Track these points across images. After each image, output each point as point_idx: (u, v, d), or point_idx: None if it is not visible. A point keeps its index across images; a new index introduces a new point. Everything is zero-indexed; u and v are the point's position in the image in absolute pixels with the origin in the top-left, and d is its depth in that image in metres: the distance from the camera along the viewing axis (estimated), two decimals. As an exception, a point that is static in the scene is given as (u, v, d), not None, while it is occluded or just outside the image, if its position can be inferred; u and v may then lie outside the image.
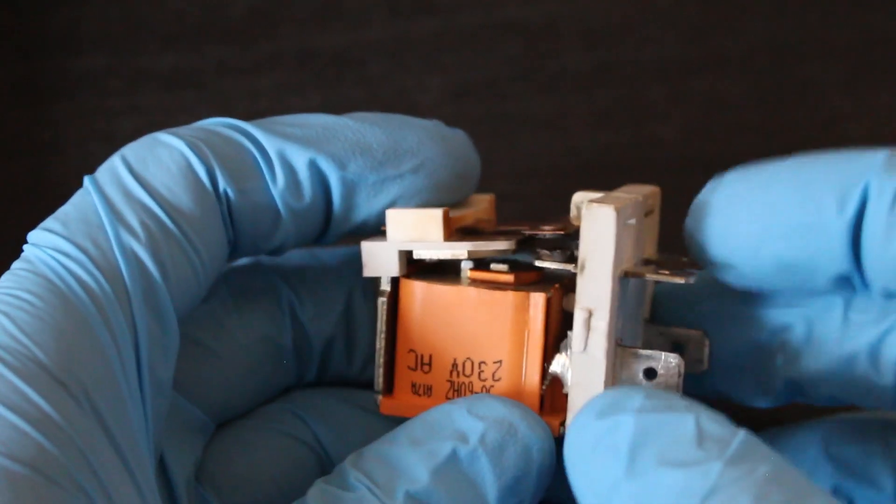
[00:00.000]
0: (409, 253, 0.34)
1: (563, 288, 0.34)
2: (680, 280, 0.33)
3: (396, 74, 0.55)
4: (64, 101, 0.56)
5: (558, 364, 0.33)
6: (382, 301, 0.34)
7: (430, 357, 0.33)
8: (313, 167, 0.34)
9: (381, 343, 0.34)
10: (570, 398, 0.32)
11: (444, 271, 0.35)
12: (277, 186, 0.33)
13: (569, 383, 0.32)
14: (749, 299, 0.35)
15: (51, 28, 0.57)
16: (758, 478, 0.27)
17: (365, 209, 0.35)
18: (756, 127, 0.54)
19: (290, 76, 0.55)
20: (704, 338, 0.34)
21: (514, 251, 0.34)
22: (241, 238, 0.34)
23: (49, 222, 0.32)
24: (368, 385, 0.36)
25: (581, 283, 0.31)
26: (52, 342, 0.29)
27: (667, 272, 0.33)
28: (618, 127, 0.55)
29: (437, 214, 0.34)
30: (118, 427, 0.29)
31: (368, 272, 0.34)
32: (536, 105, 0.55)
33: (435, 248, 0.33)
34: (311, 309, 0.37)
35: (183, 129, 0.34)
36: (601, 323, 0.31)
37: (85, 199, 0.32)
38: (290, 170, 0.34)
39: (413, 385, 0.34)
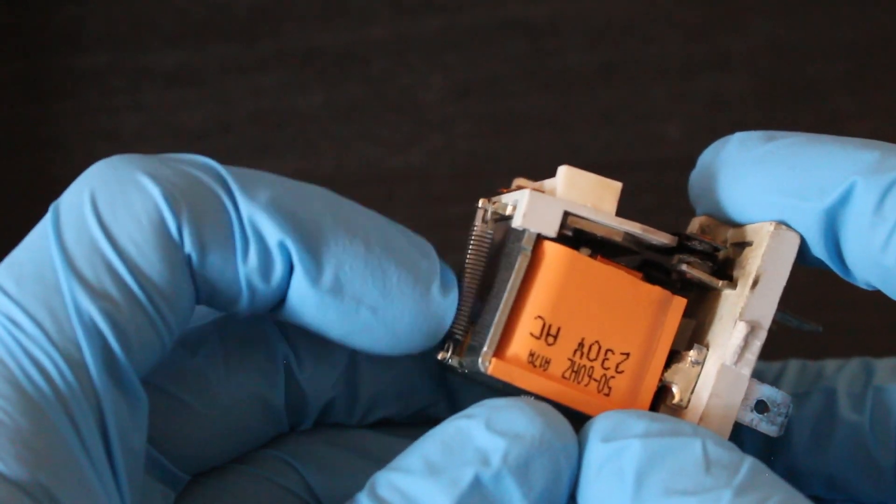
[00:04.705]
0: (565, 217, 0.32)
1: None
2: (815, 327, 0.34)
3: (400, 73, 0.55)
4: (67, 99, 0.56)
5: (672, 373, 0.32)
6: (524, 257, 0.31)
7: (559, 330, 0.32)
8: (284, 251, 0.30)
9: (506, 299, 0.32)
10: (701, 409, 0.32)
11: None
12: (248, 265, 0.30)
13: (679, 395, 0.32)
14: None
15: (54, 25, 0.57)
16: None
17: (306, 319, 0.32)
18: (758, 126, 0.54)
19: (293, 74, 0.56)
20: (789, 403, 0.32)
21: (671, 248, 0.33)
22: (198, 300, 0.31)
23: (2, 275, 0.29)
24: (368, 428, 0.35)
25: (751, 298, 0.32)
26: (7, 444, 0.27)
27: (798, 316, 0.33)
28: (620, 125, 0.55)
29: (616, 186, 0.32)
30: None
31: (522, 223, 0.32)
32: (539, 103, 0.55)
33: (605, 219, 0.32)
34: (309, 367, 0.34)
35: (163, 168, 0.30)
36: (758, 342, 0.32)
37: (42, 246, 0.29)
38: (263, 247, 0.30)
39: (531, 354, 0.32)
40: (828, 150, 0.31)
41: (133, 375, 0.29)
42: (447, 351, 0.33)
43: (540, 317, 0.32)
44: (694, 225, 0.34)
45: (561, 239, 0.32)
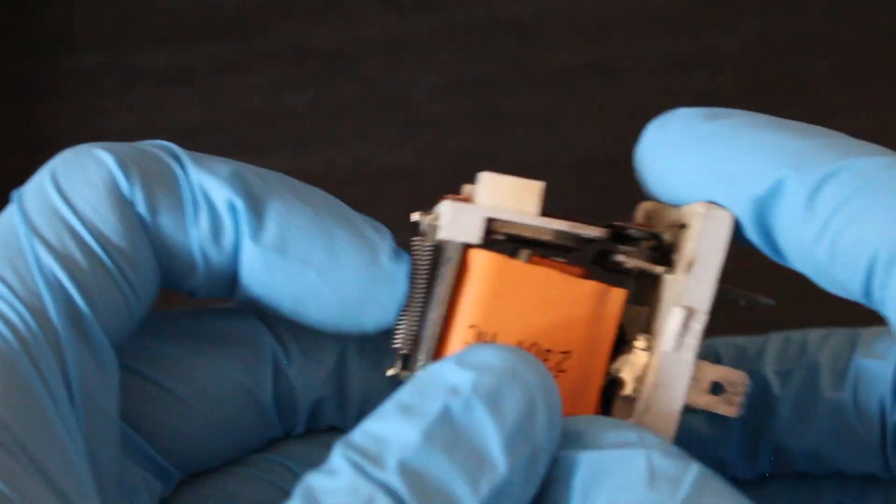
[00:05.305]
0: (488, 223, 0.32)
1: None
2: (767, 301, 0.33)
3: (391, 71, 0.55)
4: (57, 100, 0.56)
5: (619, 364, 0.32)
6: (450, 268, 0.32)
7: (495, 336, 0.32)
8: (232, 212, 0.31)
9: (437, 310, 0.32)
10: (647, 399, 0.32)
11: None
12: (199, 228, 0.31)
13: (629, 386, 0.32)
14: (737, 360, 0.35)
15: (44, 26, 0.57)
16: None
17: (257, 288, 0.32)
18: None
19: (284, 73, 0.56)
20: (746, 381, 0.32)
21: (605, 240, 0.33)
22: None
23: None
24: None
25: (686, 282, 0.31)
26: None
27: (752, 293, 0.33)
28: (611, 122, 0.55)
29: (536, 186, 0.32)
30: (58, 471, 0.28)
31: (446, 234, 0.32)
32: (530, 101, 0.55)
33: (529, 220, 0.32)
34: (298, 362, 0.34)
35: (119, 145, 0.32)
36: (698, 325, 0.31)
37: (7, 220, 0.30)
38: (212, 209, 0.31)
39: None
40: (765, 137, 0.31)
41: (99, 333, 0.30)
42: (397, 368, 0.33)
43: (474, 325, 0.32)
44: (640, 212, 0.34)
45: (493, 244, 0.32)
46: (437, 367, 0.29)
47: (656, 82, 0.55)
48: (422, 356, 0.32)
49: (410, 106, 0.55)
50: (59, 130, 0.56)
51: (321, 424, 0.35)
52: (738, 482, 0.35)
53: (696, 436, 0.35)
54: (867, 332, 0.35)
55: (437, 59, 0.55)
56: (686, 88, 0.55)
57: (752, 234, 0.31)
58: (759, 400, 0.35)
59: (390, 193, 0.55)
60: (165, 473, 0.33)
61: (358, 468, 0.28)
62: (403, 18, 0.55)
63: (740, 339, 0.36)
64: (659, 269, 0.32)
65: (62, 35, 0.57)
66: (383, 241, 0.32)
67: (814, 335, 0.35)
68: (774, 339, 0.36)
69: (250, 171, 0.32)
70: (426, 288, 0.32)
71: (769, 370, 0.35)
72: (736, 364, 0.34)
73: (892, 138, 0.55)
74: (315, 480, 0.28)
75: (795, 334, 0.36)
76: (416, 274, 0.32)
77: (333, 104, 0.55)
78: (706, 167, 0.31)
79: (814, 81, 0.55)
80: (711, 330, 0.35)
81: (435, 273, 0.32)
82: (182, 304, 0.35)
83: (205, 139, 0.56)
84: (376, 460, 0.28)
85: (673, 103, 0.55)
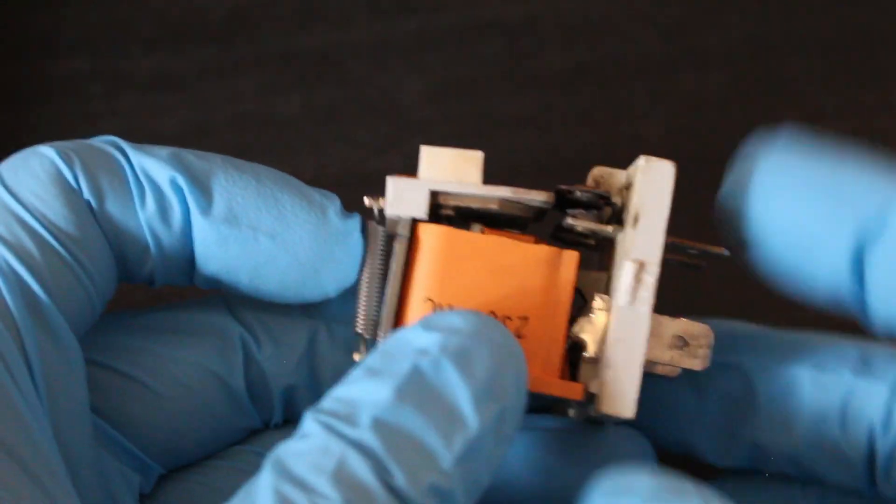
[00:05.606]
0: (435, 197, 0.32)
1: None
2: (720, 251, 0.33)
3: (378, 75, 0.55)
4: (44, 106, 0.56)
5: (580, 326, 0.32)
6: (400, 244, 0.32)
7: (451, 308, 0.32)
8: (177, 190, 0.32)
9: (392, 286, 0.32)
10: (607, 355, 0.31)
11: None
12: (146, 210, 0.32)
13: (591, 348, 0.32)
14: (726, 349, 0.34)
15: (30, 32, 0.56)
16: None
17: (213, 264, 0.33)
18: (738, 124, 0.54)
19: (271, 77, 0.55)
20: (709, 334, 0.32)
21: (552, 205, 0.33)
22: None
23: None
24: None
25: (634, 236, 0.31)
26: None
27: (703, 243, 0.33)
28: (599, 125, 0.54)
29: (477, 156, 0.33)
30: (31, 457, 0.28)
31: (392, 210, 0.32)
32: (517, 104, 0.55)
33: (471, 189, 0.32)
34: (268, 349, 0.35)
35: (62, 141, 0.33)
36: (650, 277, 0.31)
37: None
38: (157, 189, 0.32)
39: None
40: (862, 177, 0.31)
41: (59, 318, 0.30)
42: (363, 353, 0.33)
43: (429, 299, 0.32)
44: (589, 178, 0.34)
45: (444, 219, 0.32)
46: (403, 333, 0.30)
47: (644, 84, 0.55)
48: (381, 332, 0.32)
49: (398, 110, 0.55)
50: (46, 136, 0.56)
51: (299, 414, 0.34)
52: (709, 468, 0.35)
53: (672, 413, 0.35)
54: (867, 347, 0.34)
55: (425, 62, 0.55)
56: (675, 90, 0.55)
57: (845, 274, 0.31)
58: (740, 394, 0.34)
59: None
60: (143, 465, 0.33)
61: (329, 429, 0.28)
62: (390, 22, 0.55)
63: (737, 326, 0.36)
64: (608, 228, 0.32)
65: (49, 40, 0.56)
66: (330, 202, 0.33)
67: (820, 338, 0.35)
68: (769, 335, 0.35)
69: (190, 151, 0.33)
70: (384, 270, 0.32)
71: (755, 366, 0.35)
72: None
73: (882, 141, 0.54)
74: (285, 447, 0.28)
75: (790, 335, 0.35)
76: (372, 258, 0.32)
77: (321, 108, 0.55)
78: (807, 202, 0.31)
79: (805, 83, 0.55)
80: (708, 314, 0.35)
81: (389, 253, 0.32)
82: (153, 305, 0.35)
83: (192, 144, 0.55)
84: (348, 419, 0.28)
85: (661, 105, 0.55)
